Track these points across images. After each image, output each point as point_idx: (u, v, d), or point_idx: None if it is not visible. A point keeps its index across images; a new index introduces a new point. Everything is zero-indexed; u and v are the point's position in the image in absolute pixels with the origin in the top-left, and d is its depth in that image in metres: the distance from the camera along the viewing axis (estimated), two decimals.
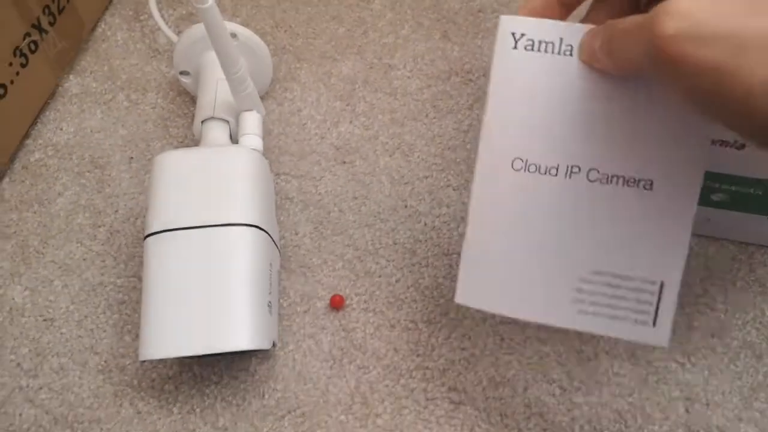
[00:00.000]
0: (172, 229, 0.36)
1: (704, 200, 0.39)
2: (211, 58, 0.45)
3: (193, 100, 0.50)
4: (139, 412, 0.39)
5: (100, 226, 0.45)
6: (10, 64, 0.44)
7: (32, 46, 0.46)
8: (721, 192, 0.39)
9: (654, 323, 0.30)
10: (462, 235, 0.35)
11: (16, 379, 0.39)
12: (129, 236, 0.44)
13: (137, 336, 0.41)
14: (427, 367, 0.41)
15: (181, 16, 0.55)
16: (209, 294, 0.35)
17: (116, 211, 0.45)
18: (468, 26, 0.54)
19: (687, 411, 0.39)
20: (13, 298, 0.42)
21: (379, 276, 0.44)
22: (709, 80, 0.21)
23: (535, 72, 0.29)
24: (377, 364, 0.41)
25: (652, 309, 0.30)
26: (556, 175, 0.29)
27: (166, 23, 0.53)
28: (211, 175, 0.38)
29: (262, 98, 0.51)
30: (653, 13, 0.22)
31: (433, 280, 0.44)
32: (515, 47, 0.29)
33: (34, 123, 0.48)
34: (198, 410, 0.39)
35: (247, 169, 0.39)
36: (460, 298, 0.33)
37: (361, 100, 0.51)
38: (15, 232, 0.44)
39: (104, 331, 0.41)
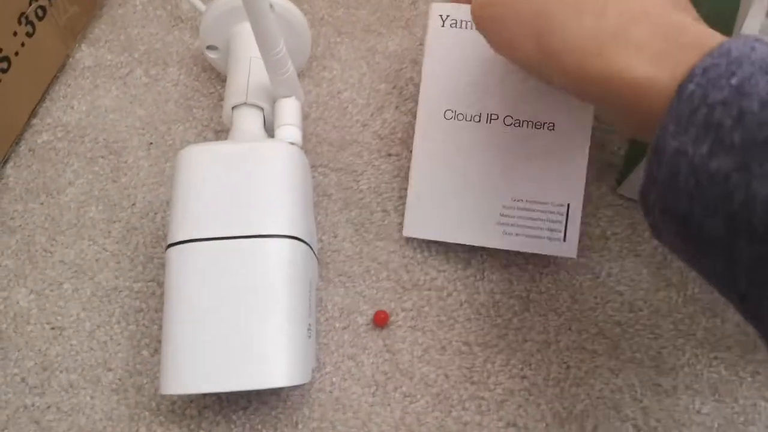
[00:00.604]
0: (198, 239, 0.31)
1: None
2: (245, 32, 0.39)
3: (220, 77, 0.45)
4: None
5: (114, 222, 0.40)
6: (15, 34, 0.38)
7: (39, 13, 0.40)
8: None
9: (564, 238, 0.37)
10: None
11: (20, 396, 0.35)
12: (147, 234, 0.39)
13: (156, 351, 0.36)
14: (482, 398, 0.36)
15: None
16: (241, 319, 0.30)
17: (133, 204, 0.40)
18: None
19: None
20: (18, 302, 0.37)
21: (429, 289, 0.39)
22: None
23: (457, 43, 0.38)
24: (425, 392, 0.36)
25: (562, 227, 0.37)
26: (479, 121, 0.38)
27: None
28: (243, 176, 0.32)
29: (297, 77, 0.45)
30: None
31: (489, 296, 0.38)
32: (443, 26, 0.38)
33: (42, 100, 0.43)
34: None
35: (286, 170, 0.33)
36: (407, 232, 0.39)
37: (409, 83, 0.45)
38: (20, 226, 0.39)
39: (119, 344, 0.36)
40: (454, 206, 0.38)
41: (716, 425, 0.35)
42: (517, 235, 0.37)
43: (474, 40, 0.37)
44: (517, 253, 0.40)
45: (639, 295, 0.39)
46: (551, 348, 0.37)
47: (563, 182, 0.37)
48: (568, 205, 0.37)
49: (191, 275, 0.31)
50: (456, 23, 0.38)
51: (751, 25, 0.31)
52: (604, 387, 0.36)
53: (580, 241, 0.40)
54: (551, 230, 0.37)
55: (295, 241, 0.32)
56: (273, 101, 0.37)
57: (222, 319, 0.30)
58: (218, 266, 0.30)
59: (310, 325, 0.32)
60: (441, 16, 0.38)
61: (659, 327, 0.38)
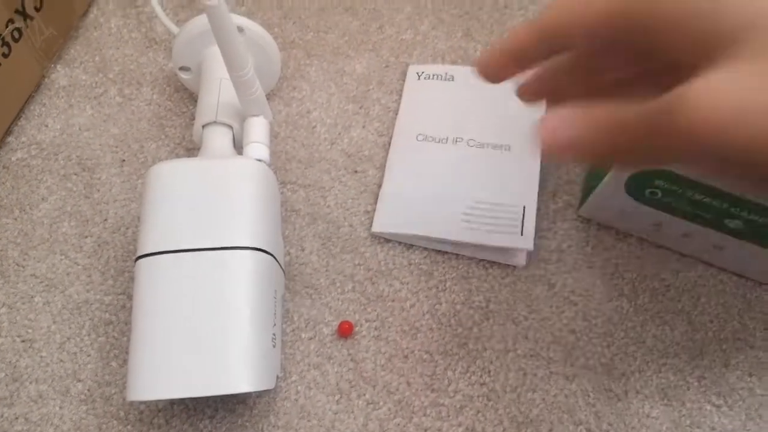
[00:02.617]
0: (166, 252, 0.32)
1: (718, 224, 0.38)
2: (215, 54, 0.40)
3: (192, 97, 0.46)
4: None
5: (86, 237, 0.41)
6: None
7: (16, 34, 0.41)
8: (737, 218, 0.36)
9: (522, 233, 0.40)
10: None
11: None
12: (119, 248, 0.40)
13: (124, 362, 0.37)
14: (442, 404, 0.37)
15: (180, 3, 0.51)
16: (207, 328, 0.31)
17: (105, 219, 0.41)
18: (493, 23, 0.50)
19: None
20: None
21: (393, 300, 0.40)
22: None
23: (428, 90, 0.47)
24: (388, 399, 0.37)
25: (519, 224, 0.41)
26: (447, 143, 0.44)
27: (165, 10, 0.49)
28: (211, 191, 0.34)
29: (268, 98, 0.47)
30: (679, 98, 0.19)
31: (450, 306, 0.40)
32: (418, 79, 0.48)
33: (17, 118, 0.44)
34: None
35: (253, 185, 0.35)
36: (375, 227, 0.42)
37: (375, 103, 0.47)
38: None
39: (88, 355, 0.37)
40: (421, 205, 0.42)
41: (665, 428, 0.37)
42: (479, 230, 0.41)
43: (440, 88, 0.47)
44: (478, 265, 0.41)
45: (592, 304, 0.41)
46: (509, 355, 0.39)
47: (519, 190, 0.42)
48: (524, 207, 0.41)
49: (159, 286, 0.32)
50: (428, 77, 0.47)
51: None
52: (559, 392, 0.38)
53: (536, 254, 0.42)
54: (510, 226, 0.40)
55: (260, 253, 0.33)
56: (242, 120, 0.39)
57: (188, 328, 0.31)
58: (185, 277, 0.32)
59: (274, 334, 0.33)
60: (417, 73, 0.48)
61: (611, 335, 0.40)
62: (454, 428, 0.37)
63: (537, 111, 0.41)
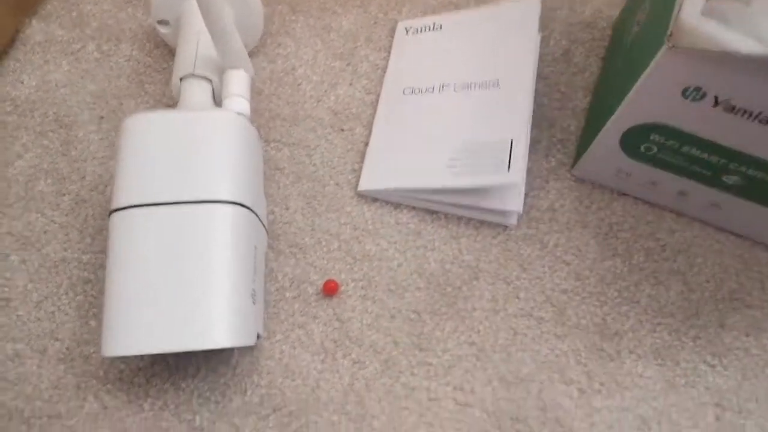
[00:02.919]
0: (141, 205, 0.31)
1: (715, 181, 0.37)
2: (193, 7, 0.39)
3: (172, 52, 0.44)
4: (105, 407, 0.34)
5: (64, 195, 0.39)
6: None
7: None
8: (736, 174, 0.35)
9: (508, 169, 0.38)
10: None
11: None
12: (97, 207, 0.39)
13: None
14: (430, 364, 0.36)
15: None
16: (184, 282, 0.30)
17: (83, 177, 0.40)
18: None
19: (717, 419, 0.35)
20: None
21: (379, 259, 0.39)
22: None
23: (416, 44, 0.46)
24: (374, 359, 0.36)
25: (506, 159, 0.38)
26: (433, 92, 0.43)
27: None
28: (188, 143, 0.32)
29: (251, 54, 0.45)
30: None
31: (439, 265, 0.39)
32: (406, 34, 0.47)
33: None
34: (172, 406, 0.34)
35: (231, 137, 0.33)
36: (362, 186, 0.41)
37: (363, 60, 0.46)
38: None
39: (66, 314, 0.36)
40: (407, 158, 0.41)
41: (658, 388, 0.36)
42: (465, 173, 0.39)
43: (429, 40, 0.46)
44: (468, 225, 0.40)
45: (585, 264, 0.40)
46: (499, 315, 0.38)
47: (507, 123, 0.40)
48: (512, 140, 0.39)
49: (133, 240, 0.31)
50: (417, 30, 0.46)
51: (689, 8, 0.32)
52: (550, 352, 0.37)
53: (528, 213, 0.41)
54: (496, 164, 0.38)
55: (238, 207, 0.32)
56: (221, 74, 0.37)
57: (164, 282, 0.30)
58: (161, 231, 0.31)
59: (254, 290, 0.32)
60: (405, 28, 0.47)
61: (604, 294, 0.39)
62: (442, 387, 0.36)
63: (526, 47, 0.42)
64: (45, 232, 0.38)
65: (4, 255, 0.37)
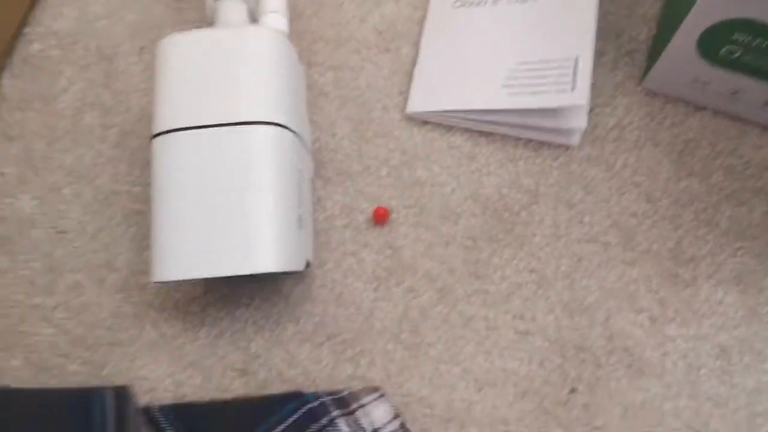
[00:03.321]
0: (181, 129, 0.30)
1: (728, 62, 0.34)
2: None
3: None
4: (163, 335, 0.34)
5: (110, 127, 0.39)
6: None
7: None
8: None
9: (573, 89, 0.35)
10: None
11: (29, 296, 0.35)
12: (142, 138, 0.39)
13: None
14: (488, 291, 0.35)
15: None
16: (228, 206, 0.29)
17: (127, 109, 0.39)
18: None
19: None
20: (22, 208, 0.37)
21: (431, 185, 0.37)
22: None
23: None
24: (429, 287, 0.35)
25: (570, 79, 0.35)
26: (486, 3, 0.40)
27: None
28: (225, 63, 0.31)
29: None
30: None
31: (495, 190, 0.37)
32: None
33: (32, 6, 0.42)
34: (228, 334, 0.34)
35: (269, 55, 0.31)
36: (410, 108, 0.38)
37: None
38: (19, 134, 0.39)
39: (121, 245, 0.36)
40: (459, 79, 0.38)
41: (739, 316, 0.33)
42: (523, 94, 0.36)
43: None
44: (526, 146, 0.37)
45: (658, 185, 0.36)
46: (561, 241, 0.35)
47: (570, 39, 0.36)
48: (577, 57, 0.35)
49: (176, 164, 0.30)
50: None
51: None
52: (617, 279, 0.35)
53: (592, 133, 0.37)
54: (559, 83, 0.35)
55: (279, 128, 0.30)
56: None
57: (208, 207, 0.29)
58: (202, 154, 0.30)
59: (300, 216, 0.31)
60: None
61: (679, 217, 0.36)
62: (501, 316, 0.34)
63: None
64: (94, 165, 0.38)
65: (57, 188, 0.38)
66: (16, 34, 0.41)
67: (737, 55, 0.33)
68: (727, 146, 0.37)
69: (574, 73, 0.35)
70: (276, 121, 0.30)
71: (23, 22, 0.41)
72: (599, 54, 0.39)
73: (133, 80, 0.40)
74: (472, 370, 0.33)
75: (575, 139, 0.37)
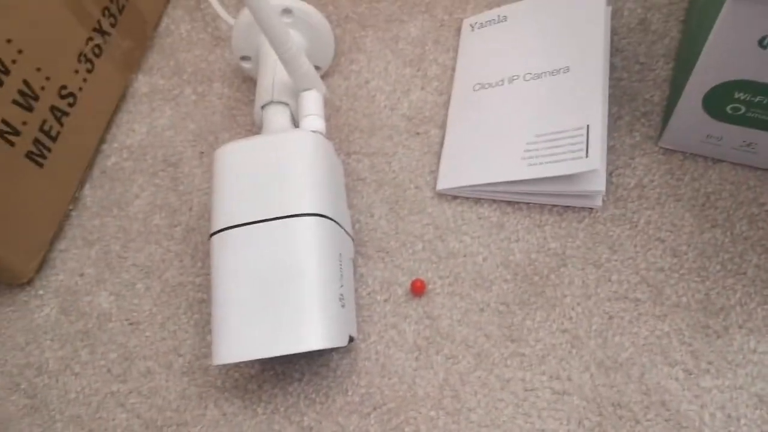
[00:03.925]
0: (234, 226, 0.34)
1: (736, 118, 0.36)
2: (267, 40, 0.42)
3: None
4: (224, 414, 0.38)
5: (176, 225, 0.44)
6: (77, 71, 0.44)
7: (96, 50, 0.46)
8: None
9: (587, 155, 0.37)
10: None
11: (107, 384, 0.40)
12: (204, 233, 0.43)
13: None
14: (523, 354, 0.36)
15: None
16: (277, 291, 0.32)
17: (191, 208, 0.44)
18: None
19: None
20: (100, 304, 0.42)
21: (464, 255, 0.40)
22: None
23: (482, 39, 0.46)
24: (467, 353, 0.37)
25: (584, 146, 0.37)
26: (503, 84, 0.43)
27: (226, 8, 0.51)
28: (270, 165, 0.35)
29: (326, 74, 0.48)
30: None
31: (525, 255, 0.39)
32: (472, 31, 0.47)
33: (108, 127, 0.48)
34: (282, 409, 0.37)
35: (308, 154, 0.36)
36: (440, 185, 0.42)
37: (432, 63, 0.47)
38: (98, 238, 0.45)
39: (186, 332, 0.40)
40: (482, 153, 0.41)
41: None
42: (541, 164, 0.38)
43: (494, 32, 0.46)
44: (551, 211, 0.40)
45: (682, 239, 0.38)
46: (591, 300, 0.37)
47: (582, 109, 0.39)
48: (588, 126, 0.38)
49: (231, 258, 0.34)
50: (482, 25, 0.47)
51: None
52: (650, 334, 0.36)
53: (614, 193, 0.39)
54: (573, 151, 0.37)
55: (320, 218, 0.34)
56: (297, 96, 0.40)
57: (261, 294, 0.33)
58: (254, 247, 0.34)
59: (342, 295, 0.34)
60: (471, 24, 0.47)
61: (705, 269, 0.37)
62: (537, 377, 0.36)
63: (595, 28, 0.41)
64: (163, 261, 0.43)
65: (131, 284, 0.43)
66: (96, 151, 0.47)
67: (742, 111, 0.35)
68: (747, 196, 0.38)
69: (587, 141, 0.37)
70: (317, 212, 0.34)
71: (101, 141, 0.48)
72: (615, 118, 0.42)
73: (195, 181, 0.45)
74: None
75: (597, 202, 0.39)
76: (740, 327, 0.35)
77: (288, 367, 0.38)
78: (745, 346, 0.34)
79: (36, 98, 0.41)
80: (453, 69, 0.46)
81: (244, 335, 0.32)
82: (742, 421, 0.32)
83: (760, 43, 0.30)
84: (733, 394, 0.33)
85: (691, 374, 0.34)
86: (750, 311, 0.35)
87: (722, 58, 0.32)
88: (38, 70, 0.41)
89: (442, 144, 0.43)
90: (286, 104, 0.40)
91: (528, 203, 0.40)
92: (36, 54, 0.40)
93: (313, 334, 0.32)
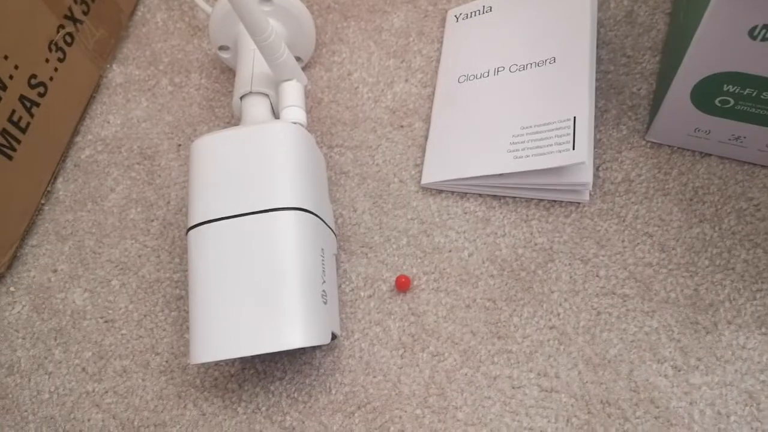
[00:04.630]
0: (212, 220, 0.33)
1: (724, 111, 0.35)
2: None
3: None
4: (203, 414, 0.37)
5: (152, 220, 0.43)
6: (47, 60, 0.42)
7: (68, 39, 0.44)
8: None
9: (573, 147, 0.36)
10: None
11: (82, 384, 0.38)
12: (182, 228, 0.42)
13: None
14: (510, 351, 0.36)
15: None
16: (256, 288, 0.31)
17: (168, 202, 0.43)
18: None
19: None
20: (74, 301, 0.41)
21: (450, 251, 0.39)
22: None
23: (467, 30, 0.45)
24: (453, 350, 0.36)
25: (570, 138, 0.36)
26: (488, 76, 0.42)
27: None
28: (249, 157, 0.34)
29: (308, 65, 0.47)
30: None
31: (511, 250, 0.38)
32: (456, 22, 0.46)
33: (81, 118, 0.47)
34: (263, 409, 0.36)
35: (288, 146, 0.35)
36: (425, 179, 0.41)
37: (416, 55, 0.46)
38: (71, 233, 0.43)
39: (164, 329, 0.39)
40: (467, 146, 0.40)
41: (764, 359, 0.33)
42: (527, 156, 0.37)
43: (479, 24, 0.45)
44: (537, 206, 0.39)
45: (670, 234, 0.37)
46: (579, 296, 0.36)
47: (568, 100, 0.38)
48: (574, 117, 0.37)
49: (208, 253, 0.33)
50: (467, 16, 0.46)
51: None
52: (638, 330, 0.35)
53: (601, 187, 0.39)
54: (560, 144, 0.36)
55: (301, 212, 0.33)
56: (277, 87, 0.39)
57: (239, 291, 0.31)
58: (232, 242, 0.32)
59: (324, 291, 0.33)
60: (455, 15, 0.46)
61: (694, 264, 0.36)
62: (525, 374, 0.35)
63: (581, 18, 0.40)
64: (139, 256, 0.42)
65: (106, 281, 0.41)
66: (69, 143, 0.46)
67: (731, 104, 0.34)
68: (735, 190, 0.38)
69: (574, 133, 0.37)
70: (297, 206, 0.33)
71: (75, 132, 0.46)
72: (602, 111, 0.41)
73: (172, 175, 0.44)
74: (500, 430, 0.34)
75: (585, 196, 0.38)
76: (729, 323, 0.34)
77: (269, 365, 0.37)
78: (734, 342, 0.34)
79: (3, 87, 0.39)
80: (437, 60, 0.45)
81: (223, 333, 0.31)
82: (732, 418, 0.32)
83: (750, 34, 0.30)
84: (723, 390, 0.33)
85: (680, 371, 0.34)
86: (739, 307, 0.35)
87: (711, 49, 0.32)
88: (6, 58, 0.39)
89: (426, 137, 0.42)
90: (266, 95, 0.39)
91: (514, 197, 0.40)
92: (3, 41, 0.38)
93: (293, 332, 0.31)
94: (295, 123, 0.36)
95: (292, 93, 0.37)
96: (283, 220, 0.33)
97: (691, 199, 0.38)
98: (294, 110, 0.37)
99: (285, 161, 0.34)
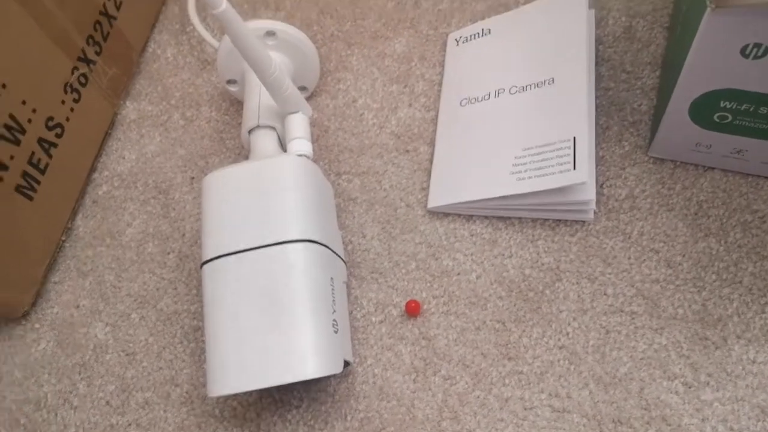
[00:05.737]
0: (225, 255, 0.34)
1: (723, 126, 0.35)
2: None
3: None
4: None
5: (169, 253, 0.44)
6: (63, 102, 0.44)
7: (82, 80, 0.46)
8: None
9: (574, 167, 0.36)
10: None
11: (106, 417, 0.40)
12: (197, 260, 0.43)
13: None
14: (521, 372, 0.36)
15: None
16: (267, 321, 0.32)
17: (183, 235, 0.44)
18: None
19: None
20: (96, 336, 0.42)
21: (458, 273, 0.39)
22: None
23: (467, 53, 0.46)
24: (464, 373, 0.37)
25: (571, 158, 0.37)
26: (489, 99, 0.43)
27: (211, 31, 0.51)
28: (258, 191, 0.35)
29: (314, 93, 0.48)
30: None
31: (518, 271, 0.39)
32: (457, 45, 0.47)
33: (97, 155, 0.48)
34: None
35: (294, 179, 0.36)
36: (431, 204, 0.41)
37: (419, 79, 0.47)
38: (92, 269, 0.44)
39: (183, 360, 0.40)
40: (471, 169, 0.41)
41: None
42: (530, 177, 0.38)
43: (479, 46, 0.46)
44: (543, 226, 0.40)
45: (676, 249, 0.37)
46: (587, 315, 0.37)
47: (567, 121, 0.39)
48: (574, 138, 0.37)
49: (222, 287, 0.34)
50: (466, 39, 0.46)
51: None
52: (647, 347, 0.35)
53: (606, 205, 0.39)
54: (561, 164, 0.37)
55: (309, 244, 0.34)
56: (283, 119, 0.40)
57: (253, 323, 0.32)
58: (244, 276, 0.33)
59: (335, 320, 0.34)
60: (456, 39, 0.47)
61: (701, 279, 0.36)
62: (536, 395, 0.35)
63: (578, 37, 0.41)
64: (157, 289, 0.43)
65: (126, 314, 0.42)
66: (86, 180, 0.47)
67: (729, 119, 0.35)
68: (740, 203, 0.38)
69: (574, 153, 0.37)
70: (306, 238, 0.34)
71: (92, 169, 0.48)
72: (604, 128, 0.42)
73: (186, 207, 0.45)
74: None
75: (589, 215, 0.39)
76: (738, 337, 0.34)
77: (286, 393, 0.38)
78: (744, 357, 0.34)
79: (23, 131, 0.41)
80: (440, 84, 0.46)
81: (238, 366, 0.32)
82: None
83: (742, 52, 0.30)
84: (735, 406, 0.33)
85: (690, 387, 0.34)
86: (747, 321, 0.35)
87: (705, 67, 0.32)
88: (24, 103, 0.40)
89: (431, 161, 0.43)
90: (273, 128, 0.40)
91: (520, 218, 0.40)
92: (20, 87, 0.40)
93: (305, 363, 0.31)
94: (300, 155, 0.37)
95: (298, 125, 0.39)
96: (293, 252, 0.33)
97: (696, 214, 0.38)
98: (300, 142, 0.38)
99: (292, 194, 0.35)
